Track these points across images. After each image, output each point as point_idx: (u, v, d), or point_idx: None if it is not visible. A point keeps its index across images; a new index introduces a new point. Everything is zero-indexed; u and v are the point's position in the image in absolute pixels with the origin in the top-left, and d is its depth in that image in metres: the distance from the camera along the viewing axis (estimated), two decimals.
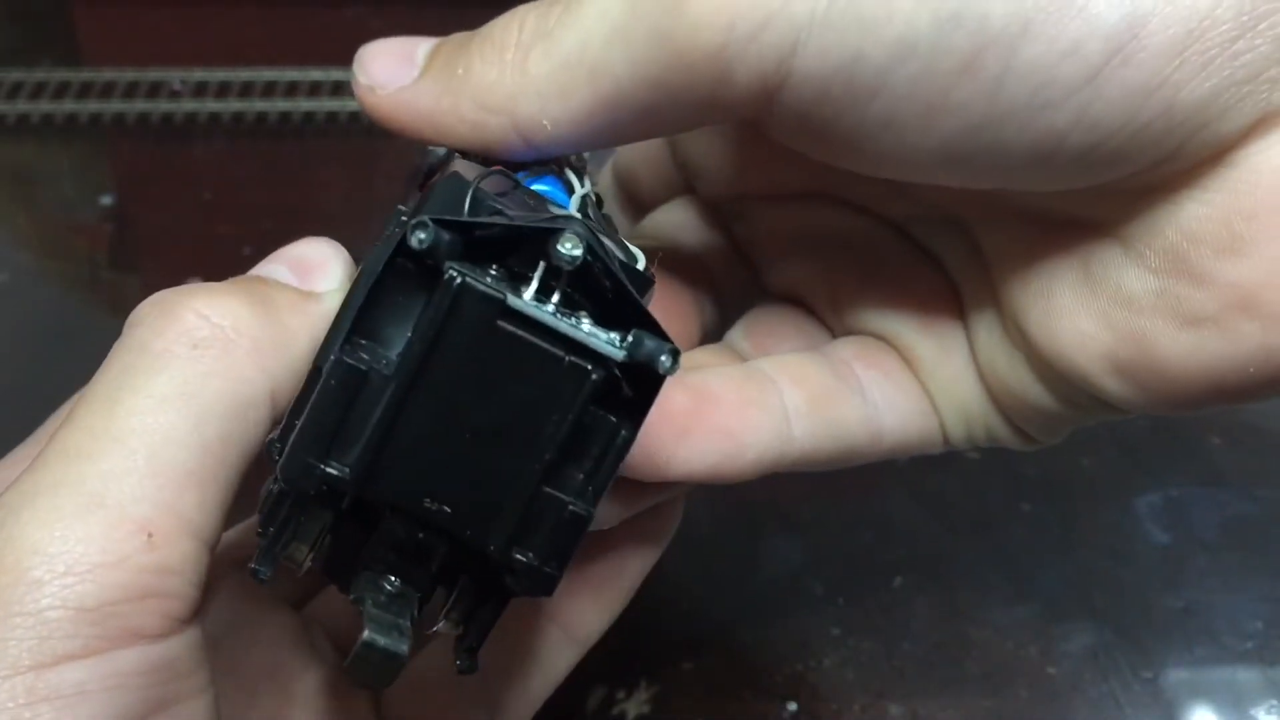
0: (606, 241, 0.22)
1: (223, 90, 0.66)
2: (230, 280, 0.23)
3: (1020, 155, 0.22)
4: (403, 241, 0.19)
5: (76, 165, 0.65)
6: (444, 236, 0.19)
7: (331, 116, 0.64)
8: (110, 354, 0.22)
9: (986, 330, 0.27)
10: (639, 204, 0.33)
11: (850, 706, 0.38)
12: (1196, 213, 0.22)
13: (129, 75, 0.66)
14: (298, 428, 0.21)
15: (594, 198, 0.25)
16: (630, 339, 0.20)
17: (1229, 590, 0.42)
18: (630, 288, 0.20)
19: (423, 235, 0.19)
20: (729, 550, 0.43)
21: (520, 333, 0.20)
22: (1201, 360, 0.23)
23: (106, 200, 0.61)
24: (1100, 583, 0.42)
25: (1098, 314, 0.24)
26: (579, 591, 0.29)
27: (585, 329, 0.20)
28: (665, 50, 0.22)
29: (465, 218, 0.20)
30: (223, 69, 0.67)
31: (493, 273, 0.20)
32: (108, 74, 0.66)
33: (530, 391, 0.20)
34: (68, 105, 0.65)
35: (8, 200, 0.64)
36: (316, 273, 0.24)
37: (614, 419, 0.21)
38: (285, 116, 0.65)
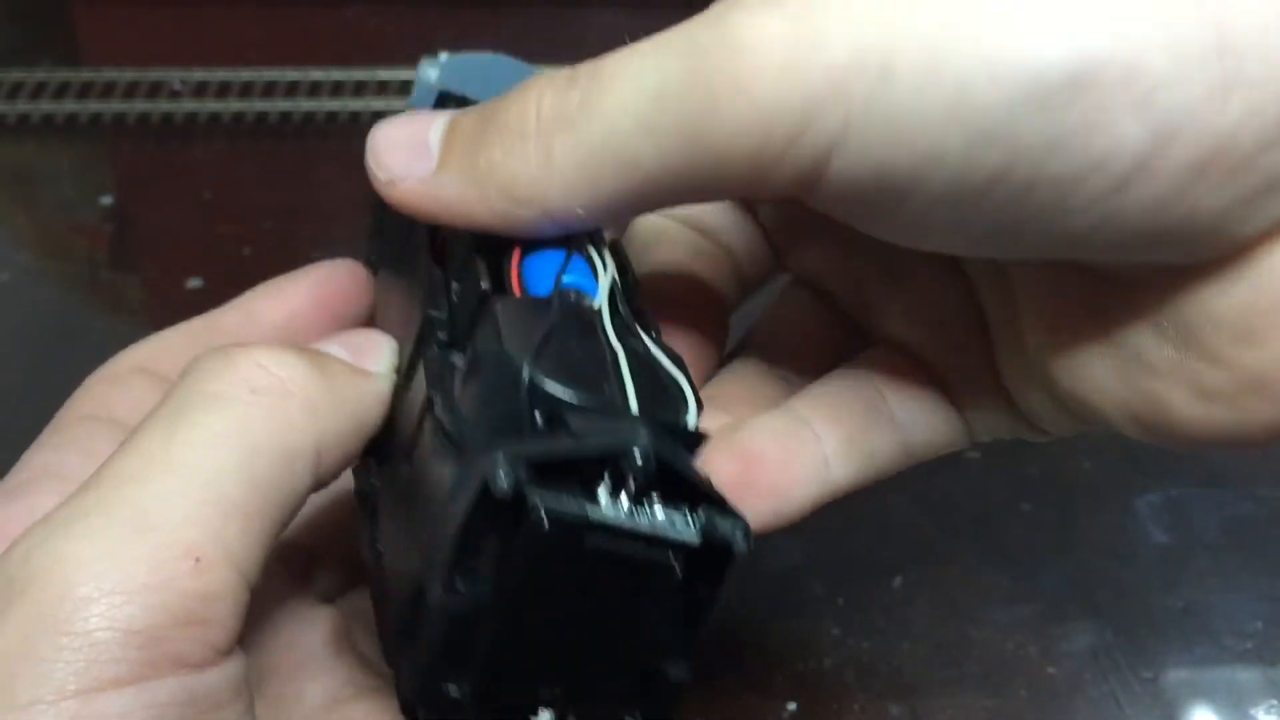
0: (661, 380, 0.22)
1: (223, 90, 0.66)
2: (289, 345, 0.24)
3: (1044, 248, 0.23)
4: (485, 490, 0.20)
5: (76, 165, 0.65)
6: (523, 476, 0.20)
7: (331, 116, 0.64)
8: (168, 392, 0.23)
9: (1010, 354, 0.28)
10: None
11: (850, 706, 0.38)
12: (1216, 301, 0.22)
13: (129, 75, 0.66)
14: (418, 667, 0.21)
15: (617, 282, 0.25)
16: (703, 521, 0.21)
17: (1229, 590, 0.42)
18: (695, 478, 0.21)
19: (505, 487, 0.19)
20: None
21: (605, 541, 0.20)
22: (1213, 426, 0.24)
23: (106, 200, 0.61)
24: (1100, 583, 0.42)
25: (1117, 370, 0.24)
26: None
27: (661, 520, 0.20)
28: (698, 150, 0.21)
29: (541, 453, 0.20)
30: (223, 69, 0.67)
31: (565, 488, 0.20)
32: (108, 74, 0.66)
33: (619, 585, 0.21)
34: (68, 105, 0.65)
35: (8, 200, 0.64)
36: (370, 354, 0.25)
37: (693, 584, 0.21)
38: (285, 116, 0.65)
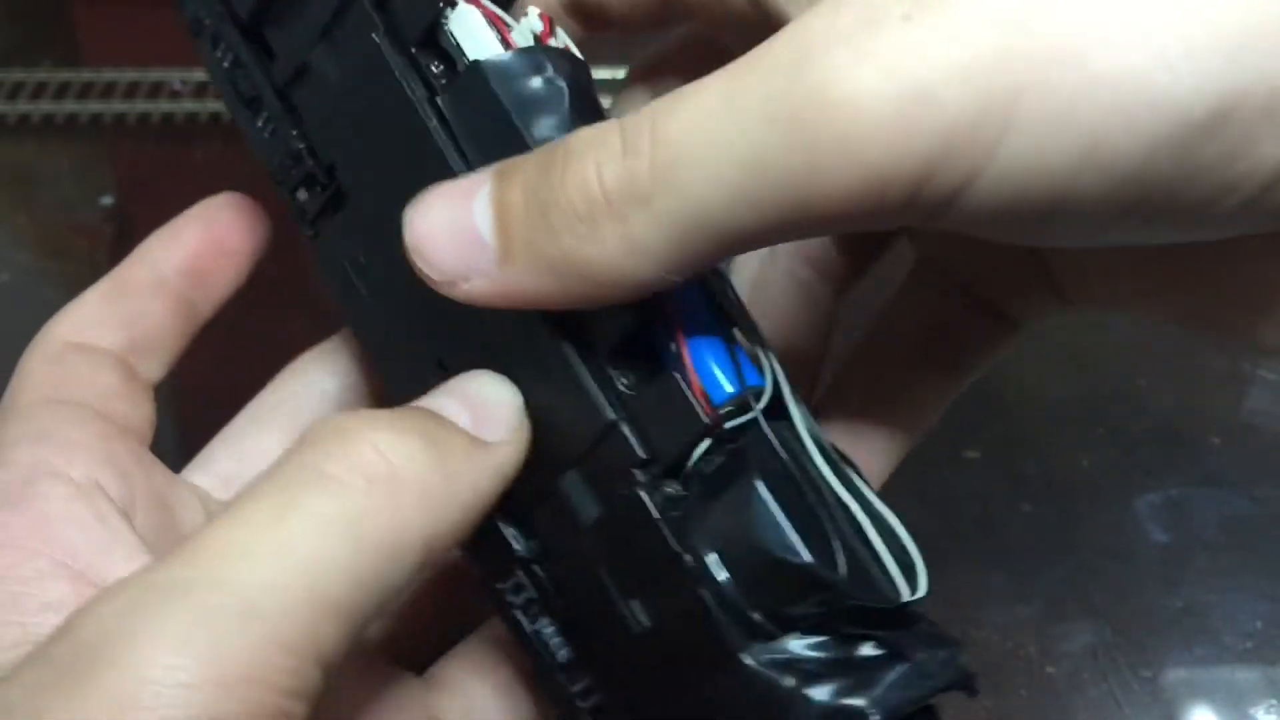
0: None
1: None
2: (407, 412, 0.23)
3: (1166, 242, 0.22)
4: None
5: (77, 165, 0.65)
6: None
7: None
8: (279, 463, 0.22)
9: (1066, 269, 0.27)
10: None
11: None
12: None
13: (129, 75, 0.66)
14: None
15: (782, 372, 0.24)
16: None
17: (1228, 590, 0.42)
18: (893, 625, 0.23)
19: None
20: None
21: None
22: None
23: (106, 200, 0.61)
24: (1100, 583, 0.42)
25: (1191, 294, 0.24)
26: None
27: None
28: (803, 214, 0.20)
29: (901, 705, 0.22)
30: None
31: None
32: (108, 74, 0.66)
33: None
34: (68, 105, 0.65)
35: (8, 200, 0.64)
36: (491, 419, 0.24)
37: None
38: None
